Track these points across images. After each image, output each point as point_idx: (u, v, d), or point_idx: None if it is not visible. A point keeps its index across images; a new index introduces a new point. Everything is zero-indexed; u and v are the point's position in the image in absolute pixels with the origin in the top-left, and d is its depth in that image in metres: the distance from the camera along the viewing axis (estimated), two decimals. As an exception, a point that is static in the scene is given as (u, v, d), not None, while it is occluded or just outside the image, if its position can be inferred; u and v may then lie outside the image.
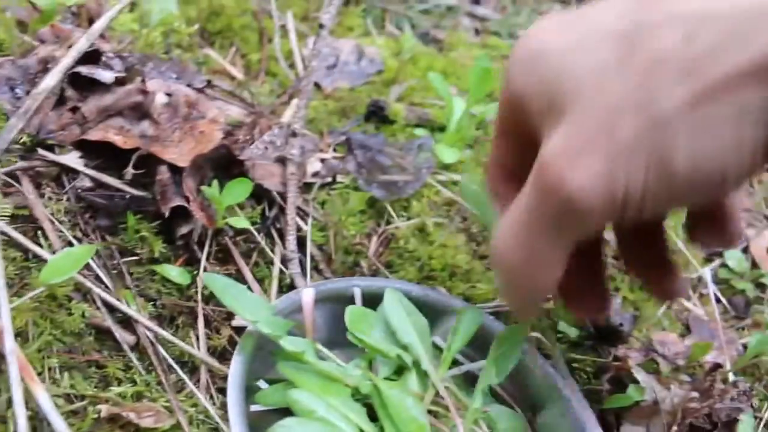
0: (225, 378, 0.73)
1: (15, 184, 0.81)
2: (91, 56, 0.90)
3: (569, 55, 0.53)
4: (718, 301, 1.11)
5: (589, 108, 0.50)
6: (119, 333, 0.75)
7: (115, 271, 0.80)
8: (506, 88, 0.61)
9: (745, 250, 1.22)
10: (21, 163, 0.82)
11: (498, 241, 0.60)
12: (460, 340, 0.77)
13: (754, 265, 1.20)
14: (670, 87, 0.47)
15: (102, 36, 0.97)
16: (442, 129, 1.15)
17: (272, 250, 0.90)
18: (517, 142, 0.64)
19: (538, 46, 0.56)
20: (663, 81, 0.48)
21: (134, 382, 0.73)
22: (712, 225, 0.68)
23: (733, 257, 1.18)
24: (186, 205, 0.82)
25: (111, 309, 0.76)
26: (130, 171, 0.84)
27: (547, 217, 0.54)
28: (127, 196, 0.84)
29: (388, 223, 0.99)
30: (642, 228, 0.71)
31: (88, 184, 0.84)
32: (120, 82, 0.90)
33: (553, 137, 0.52)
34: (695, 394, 0.83)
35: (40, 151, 0.84)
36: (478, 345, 0.81)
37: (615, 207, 0.50)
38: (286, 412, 0.66)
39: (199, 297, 0.82)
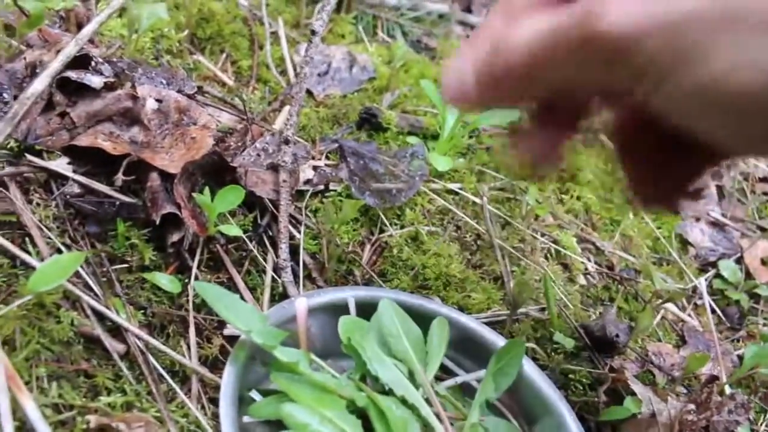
0: (216, 388, 0.72)
1: (2, 190, 0.79)
2: (80, 61, 0.89)
3: None
4: (712, 311, 1.11)
5: None
6: (109, 342, 0.74)
7: (104, 279, 0.79)
8: None
9: (739, 261, 1.22)
10: (8, 169, 0.81)
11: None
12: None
13: (749, 275, 1.20)
14: None
15: (91, 41, 0.96)
16: (434, 137, 1.14)
17: (264, 259, 0.89)
18: None
19: None
20: None
21: (124, 392, 0.71)
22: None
23: (728, 268, 1.18)
24: (177, 212, 0.81)
25: (100, 317, 0.75)
26: (120, 177, 0.83)
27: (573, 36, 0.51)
28: (117, 203, 0.83)
29: (382, 231, 0.98)
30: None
31: (77, 190, 0.82)
32: (109, 87, 0.89)
33: None
34: (692, 407, 0.82)
35: (28, 157, 0.82)
36: (471, 353, 0.81)
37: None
38: (279, 423, 0.65)
39: (191, 305, 0.80)
